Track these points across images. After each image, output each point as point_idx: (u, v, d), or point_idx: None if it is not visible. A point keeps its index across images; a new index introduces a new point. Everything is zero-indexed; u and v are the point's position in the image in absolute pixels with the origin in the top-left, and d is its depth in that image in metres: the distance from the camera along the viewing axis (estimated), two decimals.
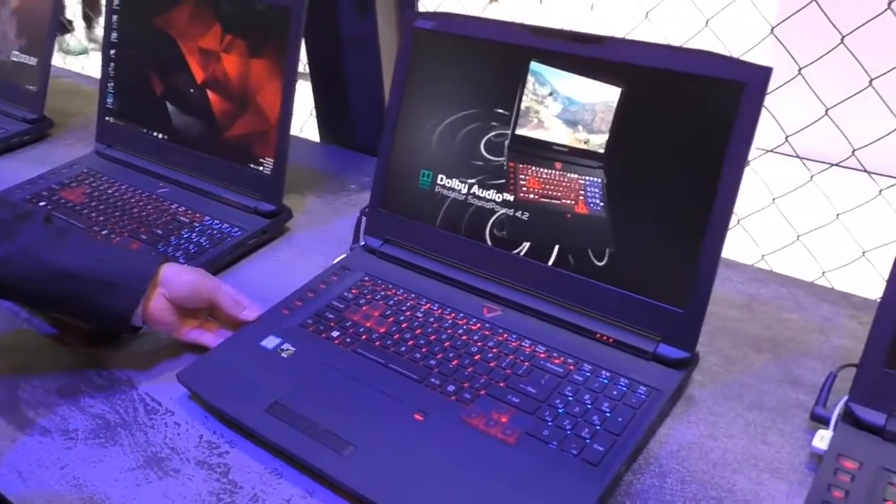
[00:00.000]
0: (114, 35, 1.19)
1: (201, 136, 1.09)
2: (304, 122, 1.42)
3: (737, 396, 0.73)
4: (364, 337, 0.78)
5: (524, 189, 0.81)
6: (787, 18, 0.99)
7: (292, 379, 0.74)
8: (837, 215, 1.08)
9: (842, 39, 0.95)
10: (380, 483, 0.63)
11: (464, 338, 0.77)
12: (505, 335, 0.77)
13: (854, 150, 1.02)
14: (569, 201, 0.78)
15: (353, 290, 0.85)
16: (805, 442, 0.67)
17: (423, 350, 0.76)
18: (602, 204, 0.76)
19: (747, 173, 0.70)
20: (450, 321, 0.80)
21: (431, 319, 0.80)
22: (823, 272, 1.02)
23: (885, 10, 0.95)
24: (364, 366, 0.75)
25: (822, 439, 0.65)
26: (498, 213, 0.83)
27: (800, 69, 0.97)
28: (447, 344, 0.76)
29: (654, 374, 0.72)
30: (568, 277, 0.78)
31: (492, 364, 0.74)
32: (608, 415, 0.67)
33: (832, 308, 0.85)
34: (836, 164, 1.10)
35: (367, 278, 0.88)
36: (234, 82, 1.04)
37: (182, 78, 1.09)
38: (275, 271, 0.96)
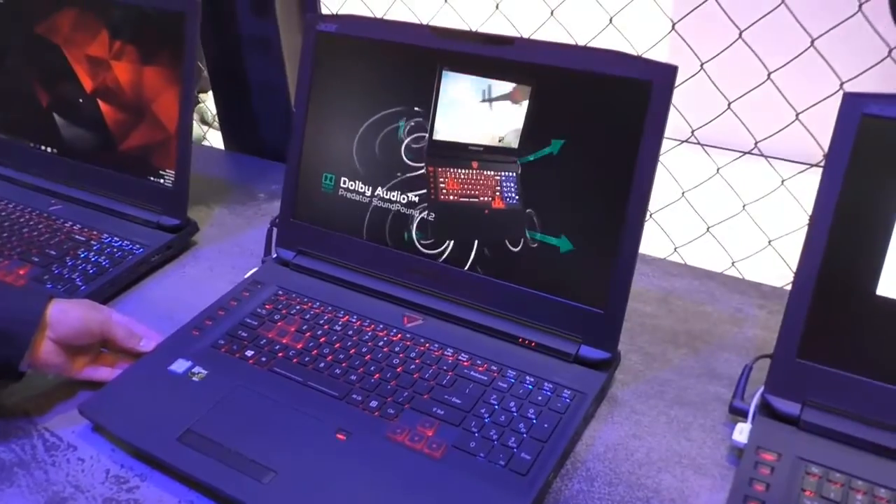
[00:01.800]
0: None
1: (95, 149, 1.03)
2: (207, 130, 1.37)
3: (658, 394, 0.74)
4: (280, 354, 0.75)
5: (444, 191, 0.79)
6: (686, 15, 1.01)
7: (205, 404, 0.70)
8: (744, 206, 1.11)
9: (740, 34, 0.97)
10: None
11: (385, 350, 0.75)
12: (427, 345, 0.76)
13: (757, 142, 1.06)
14: (486, 198, 0.77)
15: (267, 306, 0.82)
16: (725, 435, 0.69)
17: (343, 365, 0.73)
18: (517, 197, 0.76)
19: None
20: (369, 333, 0.77)
21: (350, 332, 0.78)
22: (733, 262, 1.05)
23: (779, 5, 0.98)
24: (282, 385, 0.72)
25: (742, 432, 0.66)
26: (416, 219, 0.81)
27: (702, 64, 0.99)
28: (368, 357, 0.74)
29: (578, 377, 0.71)
30: (487, 282, 0.77)
31: (415, 376, 0.72)
32: (534, 421, 0.67)
33: (743, 298, 0.87)
34: (743, 153, 1.12)
35: (280, 292, 0.84)
36: (127, 91, 0.98)
37: (70, 87, 1.03)
38: (183, 289, 0.91)
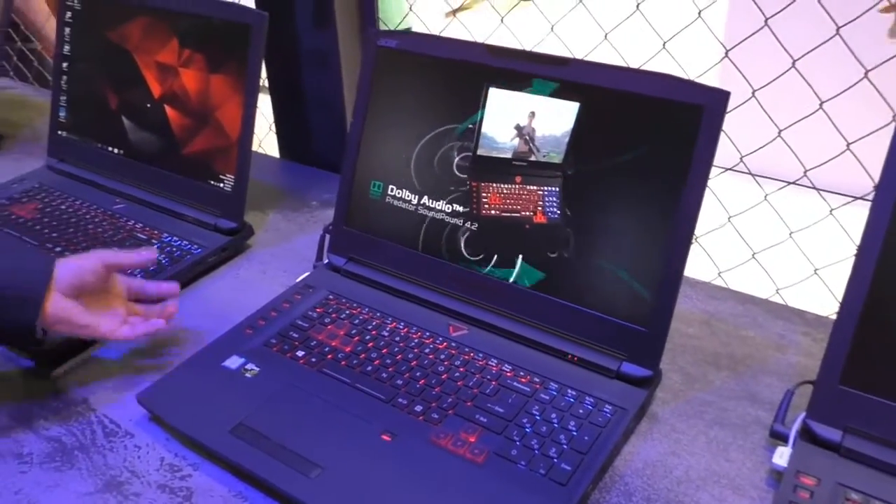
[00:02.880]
0: (66, 48, 1.16)
1: (159, 152, 1.07)
2: (264, 137, 1.41)
3: (698, 413, 0.74)
4: (330, 356, 0.78)
5: (486, 206, 0.81)
6: (740, 42, 1.02)
7: (257, 400, 0.73)
8: (790, 234, 1.11)
9: (793, 63, 0.98)
10: None
11: (430, 357, 0.77)
12: (471, 354, 0.77)
13: (806, 171, 1.06)
14: (528, 212, 0.79)
15: (318, 309, 0.85)
16: (765, 458, 0.69)
17: (390, 369, 0.76)
18: (559, 212, 0.78)
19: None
20: (416, 340, 0.80)
21: (397, 338, 0.80)
22: (777, 289, 1.05)
23: (834, 35, 0.98)
24: (330, 386, 0.74)
25: (782, 456, 0.67)
26: (463, 231, 0.83)
27: (753, 92, 1.00)
28: (414, 363, 0.76)
29: (619, 392, 0.73)
30: (532, 296, 0.79)
31: (459, 383, 0.74)
32: (575, 434, 0.68)
33: (787, 325, 0.87)
34: (790, 183, 1.13)
35: (331, 297, 0.87)
36: (193, 97, 1.03)
37: (138, 92, 1.08)
38: (236, 290, 0.95)
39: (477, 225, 0.82)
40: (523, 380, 0.74)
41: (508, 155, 0.80)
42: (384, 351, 0.78)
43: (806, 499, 0.62)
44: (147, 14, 1.06)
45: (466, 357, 0.77)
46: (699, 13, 1.06)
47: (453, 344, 0.79)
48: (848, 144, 1.01)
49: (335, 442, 0.68)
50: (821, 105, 0.99)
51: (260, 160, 1.29)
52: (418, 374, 0.75)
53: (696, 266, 0.93)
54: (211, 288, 0.95)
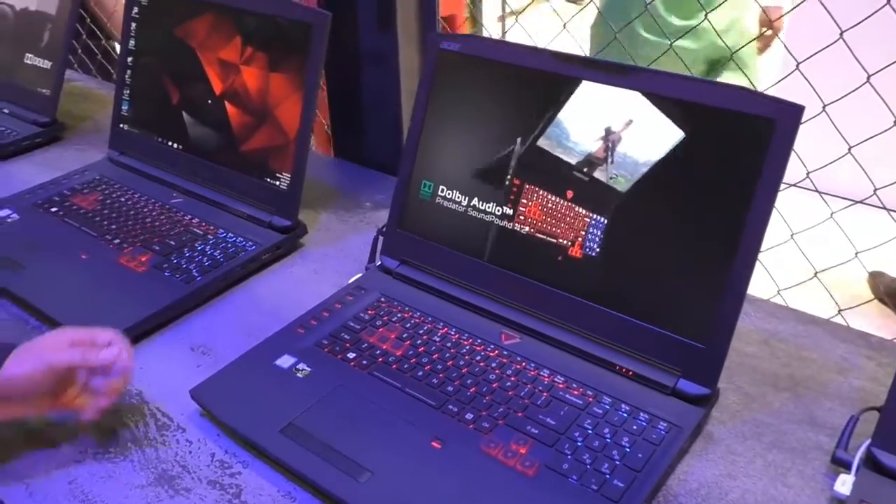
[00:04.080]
0: (131, 43, 1.18)
1: (218, 148, 1.08)
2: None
3: (756, 435, 0.72)
4: (380, 359, 0.77)
5: (522, 216, 0.81)
6: (813, 55, 0.99)
7: (308, 400, 0.73)
8: (856, 254, 1.08)
9: (868, 79, 0.94)
10: None
11: (481, 364, 0.76)
12: (523, 363, 0.77)
13: (876, 189, 1.02)
14: (565, 240, 0.79)
15: (370, 311, 0.85)
16: (825, 485, 0.67)
17: (441, 375, 0.75)
18: (598, 250, 0.77)
19: None
20: (467, 347, 0.79)
21: (449, 344, 0.79)
22: (840, 310, 1.01)
23: None
24: (380, 389, 0.74)
25: (844, 484, 0.64)
26: (497, 233, 0.82)
27: (824, 106, 0.97)
28: (465, 370, 0.76)
29: (674, 410, 0.71)
30: (587, 307, 0.78)
31: (510, 393, 0.73)
32: (628, 450, 0.66)
33: (850, 348, 0.84)
34: (858, 202, 1.09)
35: (383, 299, 0.87)
36: (253, 95, 1.03)
37: (200, 89, 1.09)
38: (289, 288, 0.95)
39: (507, 234, 0.82)
40: (576, 392, 0.73)
41: (573, 160, 0.79)
42: (435, 356, 0.78)
43: None
44: (212, 11, 1.07)
45: (518, 366, 0.76)
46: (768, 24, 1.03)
47: (505, 352, 0.78)
48: None
49: (385, 446, 0.68)
50: None
51: (314, 159, 1.29)
52: (469, 381, 0.74)
53: (755, 283, 0.90)
54: (264, 285, 0.96)
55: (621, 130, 0.76)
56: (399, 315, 0.84)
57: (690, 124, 0.72)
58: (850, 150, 0.99)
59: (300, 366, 0.77)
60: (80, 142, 1.35)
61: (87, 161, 1.22)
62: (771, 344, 0.85)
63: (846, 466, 0.66)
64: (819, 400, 0.77)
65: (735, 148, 0.70)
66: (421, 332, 0.81)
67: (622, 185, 0.76)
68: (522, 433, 0.69)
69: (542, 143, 0.80)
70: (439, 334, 0.81)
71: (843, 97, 0.97)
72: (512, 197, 0.82)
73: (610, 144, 0.76)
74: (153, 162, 1.16)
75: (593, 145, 0.77)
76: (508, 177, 0.82)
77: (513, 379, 0.75)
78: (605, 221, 0.77)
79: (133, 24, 1.18)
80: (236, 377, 0.76)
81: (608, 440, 0.67)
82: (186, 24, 1.10)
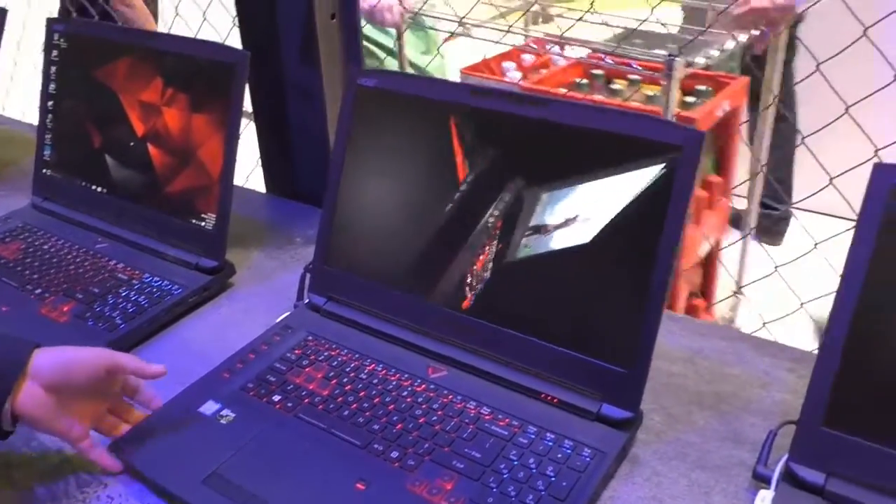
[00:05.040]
0: (51, 86, 1.16)
1: (141, 191, 1.07)
2: (251, 172, 1.41)
3: (680, 455, 0.73)
4: (306, 400, 0.77)
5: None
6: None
7: (231, 447, 0.71)
8: (776, 268, 1.11)
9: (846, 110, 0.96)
10: None
11: (408, 400, 0.76)
12: (450, 397, 0.76)
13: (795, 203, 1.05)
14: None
15: (297, 351, 0.84)
16: (748, 502, 0.68)
17: (367, 414, 0.75)
18: (518, 277, 0.78)
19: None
20: (394, 382, 0.79)
21: (375, 381, 0.79)
22: (764, 323, 1.04)
23: None
24: (305, 431, 0.73)
25: (764, 500, 0.65)
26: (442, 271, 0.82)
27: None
28: (391, 407, 0.75)
29: (599, 435, 0.71)
30: (510, 336, 0.78)
31: (436, 427, 0.73)
32: (553, 479, 0.67)
33: (773, 361, 0.86)
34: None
35: (310, 338, 0.86)
36: (175, 136, 1.02)
37: (122, 131, 1.08)
38: (218, 330, 0.94)
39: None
40: (502, 423, 0.73)
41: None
42: (361, 394, 0.77)
43: None
44: (132, 53, 1.06)
45: (445, 400, 0.76)
46: None
47: (432, 386, 0.78)
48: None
49: (309, 491, 0.67)
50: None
51: (245, 195, 1.29)
52: (395, 418, 0.74)
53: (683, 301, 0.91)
54: (192, 329, 0.95)
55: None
56: (326, 353, 0.83)
57: (601, 154, 0.73)
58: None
59: (224, 412, 0.76)
60: (4, 188, 1.32)
61: (10, 208, 1.19)
62: (695, 362, 0.86)
63: (766, 482, 0.67)
64: (742, 416, 0.78)
65: (644, 175, 0.71)
66: (347, 369, 0.81)
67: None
68: (448, 468, 0.68)
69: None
70: (366, 371, 0.80)
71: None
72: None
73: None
74: (77, 207, 1.14)
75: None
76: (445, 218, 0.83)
77: (439, 413, 0.74)
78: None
79: (53, 68, 1.16)
80: (158, 427, 0.75)
81: (533, 470, 0.68)
82: (106, 66, 1.09)
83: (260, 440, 0.72)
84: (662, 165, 0.70)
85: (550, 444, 0.70)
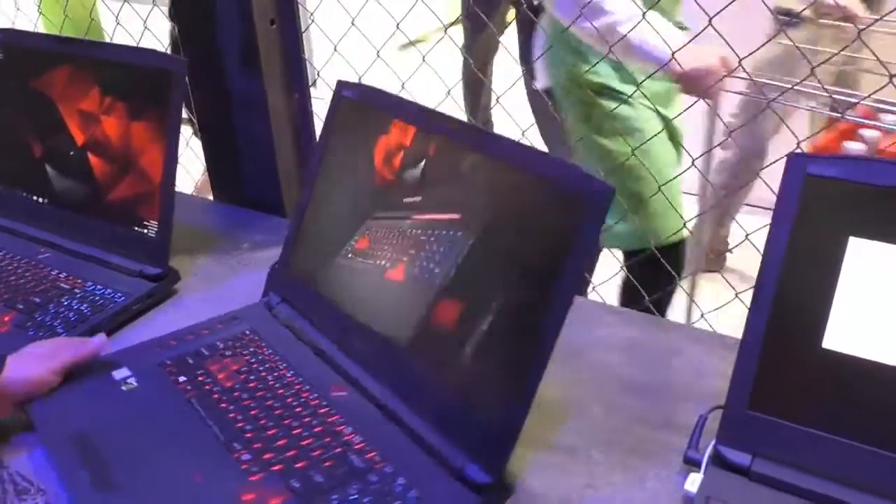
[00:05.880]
0: None
1: (83, 200, 1.06)
2: (199, 180, 1.41)
3: (616, 443, 0.75)
4: (206, 387, 0.79)
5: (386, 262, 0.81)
6: None
7: (116, 414, 0.75)
8: (710, 253, 1.14)
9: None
10: None
11: (297, 410, 0.76)
12: (336, 417, 0.75)
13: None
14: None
15: (229, 342, 0.85)
16: (680, 486, 0.69)
17: (252, 413, 0.75)
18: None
19: None
20: (294, 391, 0.78)
21: (278, 385, 0.79)
22: (703, 314, 1.06)
23: None
24: (187, 416, 0.75)
25: (693, 482, 0.67)
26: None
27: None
28: (277, 412, 0.75)
29: (455, 494, 0.66)
30: (407, 376, 0.75)
31: (304, 443, 0.71)
32: None
33: (707, 350, 0.88)
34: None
35: (248, 332, 0.87)
36: (115, 144, 1.02)
37: (62, 140, 1.07)
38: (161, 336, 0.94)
39: (367, 285, 0.83)
40: (367, 456, 0.70)
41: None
42: (259, 394, 0.78)
43: None
44: (69, 62, 1.05)
45: (330, 419, 0.75)
46: None
47: (324, 403, 0.77)
48: None
49: (150, 469, 0.69)
50: None
51: (191, 203, 1.29)
52: (271, 423, 0.74)
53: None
54: (137, 336, 0.93)
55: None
56: (252, 350, 0.84)
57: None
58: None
59: (130, 380, 0.79)
60: None
61: None
62: (632, 351, 0.88)
63: (697, 465, 0.69)
64: (677, 404, 0.80)
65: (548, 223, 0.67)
66: (261, 369, 0.81)
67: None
68: (286, 486, 0.66)
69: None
70: (276, 374, 0.81)
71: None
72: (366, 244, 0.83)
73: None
74: (18, 217, 1.12)
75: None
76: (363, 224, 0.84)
77: (317, 429, 0.73)
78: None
79: None
80: (73, 385, 0.78)
81: None
82: (44, 75, 1.08)
83: (143, 413, 0.76)
84: (566, 215, 0.65)
85: (399, 489, 0.67)
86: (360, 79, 1.07)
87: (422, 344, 0.75)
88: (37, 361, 0.78)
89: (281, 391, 0.78)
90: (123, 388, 0.78)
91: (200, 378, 0.79)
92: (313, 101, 1.25)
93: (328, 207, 0.89)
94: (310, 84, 1.23)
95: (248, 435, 0.72)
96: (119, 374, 0.80)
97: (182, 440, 0.72)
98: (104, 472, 0.68)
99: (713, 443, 0.69)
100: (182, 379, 0.79)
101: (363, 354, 0.81)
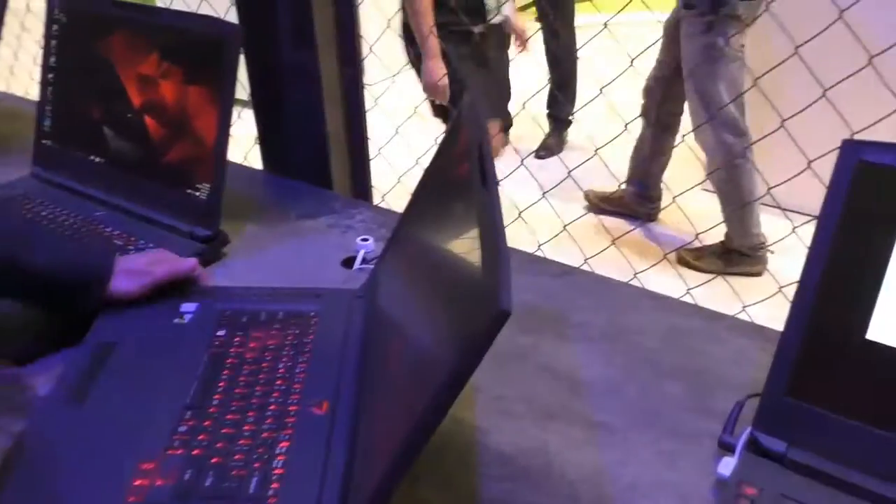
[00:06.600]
0: (52, 59, 1.19)
1: (138, 161, 1.09)
2: (249, 150, 1.43)
3: (650, 424, 0.75)
4: (231, 349, 0.80)
5: None
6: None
7: (147, 338, 0.82)
8: (766, 247, 1.12)
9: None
10: None
11: (271, 408, 0.72)
12: (286, 444, 0.69)
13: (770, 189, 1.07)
14: None
15: (291, 316, 0.84)
16: (713, 469, 0.70)
17: (236, 391, 0.74)
18: None
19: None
20: (286, 396, 0.74)
21: (280, 380, 0.76)
22: (744, 307, 1.06)
23: None
24: (191, 365, 0.77)
25: (727, 466, 0.67)
26: None
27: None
28: (254, 405, 0.72)
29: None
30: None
31: (240, 442, 0.68)
32: None
33: (748, 341, 0.88)
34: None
35: (314, 314, 0.85)
36: (170, 108, 1.05)
37: (119, 103, 1.10)
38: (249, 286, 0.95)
39: None
40: (270, 485, 0.64)
41: None
42: (261, 377, 0.76)
43: None
44: (129, 27, 1.08)
45: (282, 438, 0.69)
46: None
47: (295, 420, 0.71)
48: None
49: (120, 394, 0.74)
50: None
51: (242, 172, 1.31)
52: (237, 412, 0.72)
53: (667, 284, 0.93)
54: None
55: None
56: (299, 332, 0.81)
57: None
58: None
59: (188, 316, 0.85)
60: (7, 161, 1.34)
61: (12, 178, 1.22)
62: (672, 338, 0.88)
63: (731, 449, 0.69)
64: (714, 391, 0.80)
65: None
66: (284, 355, 0.79)
67: None
68: (181, 472, 0.65)
69: None
70: (290, 366, 0.77)
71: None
72: None
73: None
74: (76, 176, 1.16)
75: None
76: None
77: (264, 436, 0.69)
78: None
79: (53, 42, 1.18)
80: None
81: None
82: (105, 39, 1.11)
83: (166, 347, 0.81)
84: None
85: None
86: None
87: None
88: (131, 278, 0.85)
89: (276, 393, 0.74)
90: (176, 319, 0.84)
91: (236, 339, 0.80)
92: None
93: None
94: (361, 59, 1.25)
95: (211, 409, 0.71)
96: (187, 307, 0.85)
97: (166, 384, 0.75)
98: (90, 384, 0.74)
99: (748, 429, 0.69)
100: (221, 333, 0.81)
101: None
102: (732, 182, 2.35)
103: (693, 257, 2.56)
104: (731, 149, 2.30)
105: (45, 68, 1.19)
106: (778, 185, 1.04)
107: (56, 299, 0.83)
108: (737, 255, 2.47)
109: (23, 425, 0.72)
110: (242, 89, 1.24)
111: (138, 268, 0.87)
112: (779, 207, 1.06)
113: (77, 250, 0.88)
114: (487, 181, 0.61)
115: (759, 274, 2.37)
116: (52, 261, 0.82)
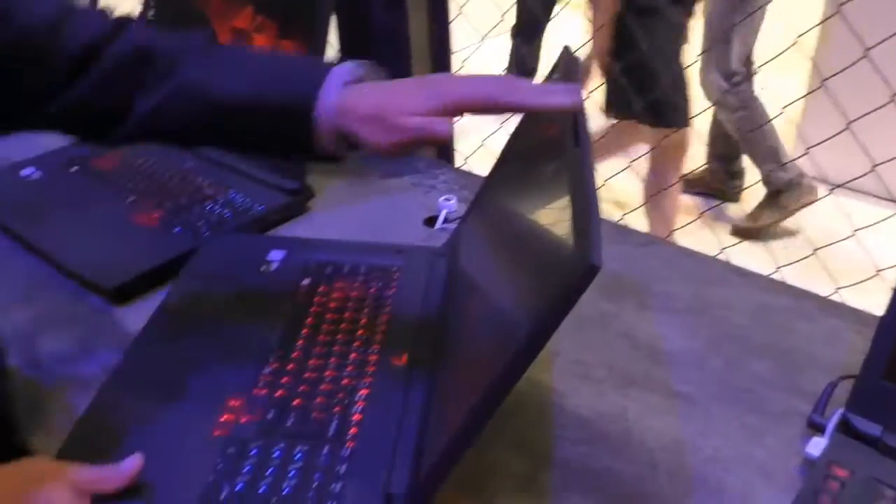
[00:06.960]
0: (151, 13, 1.22)
1: None
2: None
3: (736, 399, 0.73)
4: (315, 299, 0.81)
5: None
6: None
7: (228, 289, 0.84)
8: (856, 231, 1.08)
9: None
10: None
11: (352, 356, 0.73)
12: (366, 391, 0.70)
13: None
14: None
15: (373, 270, 0.85)
16: (800, 448, 0.67)
17: (319, 338, 0.75)
18: None
19: None
20: (367, 346, 0.75)
21: (360, 330, 0.77)
22: (837, 288, 1.02)
23: None
24: (274, 313, 0.79)
25: (816, 446, 0.65)
26: None
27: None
28: (336, 351, 0.74)
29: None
30: None
31: (322, 387, 0.70)
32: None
33: (841, 322, 0.84)
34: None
35: (396, 269, 0.86)
36: None
37: None
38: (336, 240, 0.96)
39: None
40: (349, 431, 0.65)
41: None
42: (342, 326, 0.77)
43: (836, 489, 0.61)
44: None
45: (362, 385, 0.70)
46: None
47: (375, 371, 0.72)
48: None
49: (209, 336, 0.77)
50: None
51: None
52: (319, 359, 0.73)
53: (755, 259, 0.90)
54: None
55: None
56: (381, 286, 0.83)
57: None
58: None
59: (275, 265, 0.87)
60: None
61: None
62: (761, 315, 0.85)
63: (821, 430, 0.67)
64: (803, 370, 0.77)
65: None
66: (366, 307, 0.80)
67: None
68: (264, 411, 0.67)
69: None
70: (371, 317, 0.78)
71: None
72: None
73: None
74: None
75: None
76: None
77: (343, 383, 0.70)
78: None
79: None
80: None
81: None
82: None
83: (246, 295, 0.83)
84: None
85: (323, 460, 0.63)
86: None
87: None
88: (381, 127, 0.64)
89: (357, 342, 0.75)
90: (262, 268, 0.86)
91: (320, 289, 0.82)
92: None
93: None
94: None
95: (294, 354, 0.73)
96: (274, 255, 0.88)
97: (251, 329, 0.77)
98: (181, 324, 0.78)
99: (840, 410, 0.67)
100: (305, 282, 0.83)
101: None
102: (751, 120, 2.37)
103: (750, 221, 2.57)
104: (742, 94, 2.36)
105: (143, 21, 1.22)
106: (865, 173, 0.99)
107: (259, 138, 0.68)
108: (786, 193, 2.47)
109: (117, 360, 0.75)
110: (332, 50, 1.24)
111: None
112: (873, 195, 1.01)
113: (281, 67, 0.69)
114: (580, 140, 0.59)
115: (814, 200, 2.37)
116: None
